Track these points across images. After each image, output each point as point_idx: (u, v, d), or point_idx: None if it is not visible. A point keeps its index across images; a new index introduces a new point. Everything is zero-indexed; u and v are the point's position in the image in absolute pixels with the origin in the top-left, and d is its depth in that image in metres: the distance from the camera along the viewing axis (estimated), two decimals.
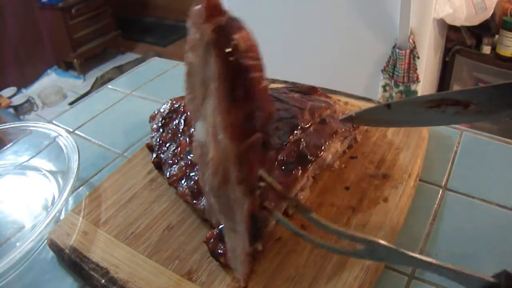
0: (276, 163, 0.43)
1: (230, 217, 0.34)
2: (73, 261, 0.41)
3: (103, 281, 0.39)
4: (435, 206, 0.45)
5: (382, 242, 0.28)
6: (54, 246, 0.44)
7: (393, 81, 1.41)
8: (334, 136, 0.46)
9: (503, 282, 0.27)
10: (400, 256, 0.29)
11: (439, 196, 0.46)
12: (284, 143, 0.45)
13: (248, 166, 0.29)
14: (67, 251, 0.42)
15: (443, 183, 0.48)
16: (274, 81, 0.67)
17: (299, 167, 0.42)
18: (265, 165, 0.30)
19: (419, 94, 1.41)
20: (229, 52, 0.26)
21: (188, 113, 0.53)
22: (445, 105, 0.36)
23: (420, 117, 0.39)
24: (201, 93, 0.32)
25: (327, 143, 0.45)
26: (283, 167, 0.42)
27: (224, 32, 0.26)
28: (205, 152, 0.33)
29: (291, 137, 0.46)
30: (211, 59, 0.27)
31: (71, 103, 2.55)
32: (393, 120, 0.42)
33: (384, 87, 1.45)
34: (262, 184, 0.30)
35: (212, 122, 0.30)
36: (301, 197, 0.43)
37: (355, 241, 0.29)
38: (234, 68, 0.26)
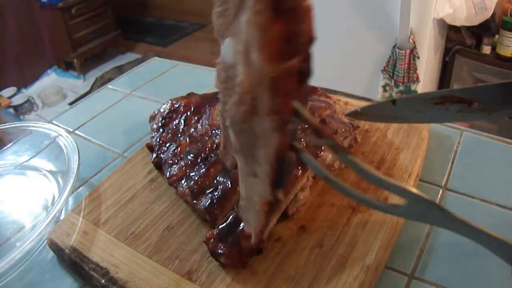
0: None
1: (251, 157, 0.30)
2: (73, 261, 0.41)
3: (103, 281, 0.39)
4: None
5: (426, 196, 0.27)
6: (54, 246, 0.44)
7: (393, 81, 1.41)
8: (334, 136, 0.46)
9: None
10: (440, 216, 0.27)
11: (439, 196, 0.46)
12: None
13: (283, 95, 0.25)
14: (67, 251, 0.42)
15: (443, 183, 0.48)
16: None
17: (299, 167, 0.42)
18: (301, 98, 0.26)
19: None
20: None
21: (188, 113, 0.53)
22: (449, 102, 0.36)
23: (424, 114, 0.39)
24: (235, 4, 0.26)
25: None
26: None
27: None
28: (231, 76, 0.28)
29: None
30: None
31: (71, 103, 2.55)
32: (398, 116, 0.41)
33: (384, 87, 1.45)
34: (295, 119, 0.26)
35: (246, 39, 0.25)
36: (301, 197, 0.43)
37: (397, 192, 0.27)
38: None
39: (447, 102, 0.36)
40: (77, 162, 0.51)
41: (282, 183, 0.30)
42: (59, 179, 0.54)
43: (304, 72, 0.25)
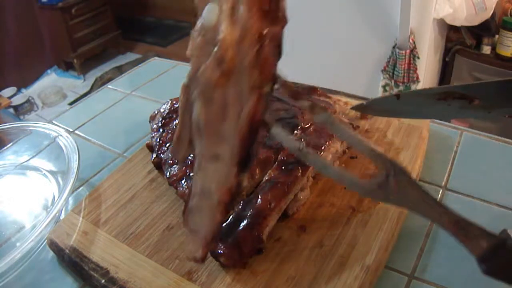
0: (276, 163, 0.43)
1: (215, 135, 0.29)
2: (73, 261, 0.41)
3: (103, 281, 0.39)
4: None
5: (403, 167, 0.27)
6: (54, 246, 0.44)
7: (393, 81, 1.41)
8: (334, 136, 0.46)
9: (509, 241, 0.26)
10: (413, 191, 0.28)
11: (439, 196, 0.46)
12: None
13: (265, 55, 0.25)
14: (67, 251, 0.42)
15: (443, 183, 0.48)
16: None
17: (299, 167, 0.42)
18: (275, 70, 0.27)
19: None
20: None
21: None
22: (451, 98, 0.36)
23: (427, 109, 0.39)
24: None
25: (327, 143, 0.45)
26: (283, 167, 0.42)
27: None
28: (209, 39, 0.28)
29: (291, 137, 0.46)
30: None
31: (71, 103, 2.55)
32: (402, 111, 0.42)
33: (384, 87, 1.45)
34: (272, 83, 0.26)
35: (231, 1, 0.26)
36: (301, 197, 0.43)
37: (372, 156, 0.28)
38: None
39: (449, 98, 0.36)
40: (77, 162, 0.51)
41: (248, 164, 0.28)
42: (59, 179, 0.54)
43: (280, 46, 0.26)
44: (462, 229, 0.27)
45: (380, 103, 0.42)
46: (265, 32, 0.25)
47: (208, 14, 0.28)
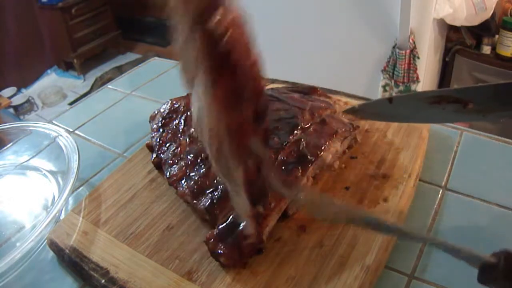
0: (276, 163, 0.43)
1: (231, 181, 0.34)
2: (73, 261, 0.41)
3: (103, 281, 0.39)
4: (435, 206, 0.45)
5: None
6: (54, 246, 0.44)
7: (393, 81, 1.41)
8: (334, 136, 0.46)
9: (502, 262, 0.27)
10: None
11: (439, 196, 0.46)
12: (284, 143, 0.45)
13: (239, 137, 0.29)
14: (67, 251, 0.42)
15: (443, 183, 0.48)
16: (274, 81, 0.67)
17: (299, 167, 0.42)
18: (259, 136, 0.31)
19: None
20: (211, 27, 0.26)
21: (188, 113, 0.53)
22: (445, 102, 0.36)
23: (421, 113, 0.39)
24: (193, 65, 0.31)
25: (327, 143, 0.45)
26: (283, 167, 0.42)
27: (208, 7, 0.26)
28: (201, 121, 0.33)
29: (291, 137, 0.46)
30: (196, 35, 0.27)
31: (71, 103, 2.55)
32: (395, 115, 0.42)
33: (384, 87, 1.45)
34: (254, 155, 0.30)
35: (202, 93, 0.30)
36: (301, 197, 0.43)
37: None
38: (216, 42, 0.26)
39: (443, 102, 0.36)
40: (77, 162, 0.51)
41: (259, 201, 0.34)
42: (59, 179, 0.54)
43: (259, 115, 0.29)
44: None
45: (373, 107, 0.42)
46: None
47: (195, 99, 0.32)
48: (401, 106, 0.39)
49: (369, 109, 0.42)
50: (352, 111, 0.42)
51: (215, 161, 0.34)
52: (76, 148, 0.53)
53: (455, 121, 0.42)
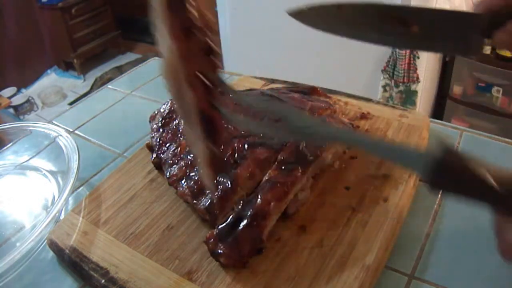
0: (276, 163, 0.43)
1: (190, 122, 0.37)
2: (73, 261, 0.41)
3: (103, 281, 0.39)
4: (435, 206, 0.45)
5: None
6: (54, 246, 0.44)
7: (393, 81, 1.41)
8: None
9: (443, 155, 0.26)
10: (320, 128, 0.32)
11: (439, 196, 0.46)
12: (284, 143, 0.45)
13: (190, 64, 0.34)
14: (67, 251, 0.42)
15: None
16: (274, 81, 0.67)
17: (299, 167, 0.42)
18: (210, 68, 0.34)
19: (419, 94, 1.41)
20: None
21: None
22: (389, 18, 0.37)
23: (367, 30, 0.39)
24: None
25: (327, 143, 0.45)
26: (283, 167, 0.42)
27: None
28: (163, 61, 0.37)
29: None
30: None
31: (71, 103, 2.56)
32: (341, 28, 0.42)
33: (384, 87, 1.45)
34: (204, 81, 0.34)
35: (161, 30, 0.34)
36: (301, 197, 0.43)
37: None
38: None
39: (387, 18, 0.37)
40: (77, 162, 0.51)
41: (211, 135, 0.36)
42: (59, 179, 0.54)
43: (208, 48, 0.34)
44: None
45: (320, 12, 0.41)
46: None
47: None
48: (349, 17, 0.39)
49: (316, 13, 0.41)
50: (298, 13, 0.41)
51: (177, 103, 0.37)
52: (76, 148, 0.53)
53: (403, 47, 0.41)
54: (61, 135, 0.56)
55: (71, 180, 0.48)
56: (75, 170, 0.50)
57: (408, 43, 0.39)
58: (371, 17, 0.38)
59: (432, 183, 0.26)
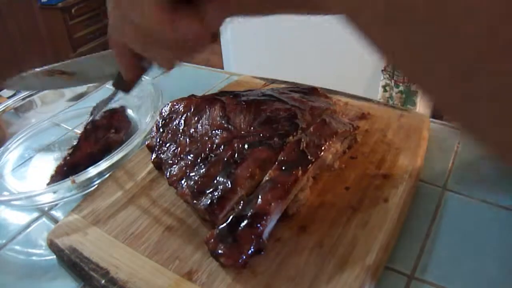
0: (277, 163, 0.43)
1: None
2: (73, 261, 0.41)
3: (103, 281, 0.39)
4: (435, 206, 0.45)
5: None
6: (54, 246, 0.44)
7: (393, 81, 1.41)
8: (334, 136, 0.46)
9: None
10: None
11: (439, 196, 0.46)
12: (284, 143, 0.45)
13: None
14: (67, 251, 0.42)
15: (443, 183, 0.48)
16: (274, 81, 0.67)
17: (299, 167, 0.42)
18: None
19: (419, 94, 1.41)
20: None
21: (188, 113, 0.53)
22: (57, 74, 0.53)
23: (44, 83, 0.55)
24: None
25: (327, 143, 0.45)
26: (283, 167, 0.42)
27: None
28: None
29: (291, 137, 0.46)
30: None
31: (70, 101, 2.55)
32: (28, 85, 0.59)
33: (384, 87, 1.45)
34: None
35: None
36: (301, 198, 0.43)
37: None
38: None
39: (55, 74, 0.53)
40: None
41: None
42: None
43: None
44: None
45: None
46: None
47: None
48: (30, 79, 0.54)
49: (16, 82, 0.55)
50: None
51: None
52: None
53: (66, 86, 0.61)
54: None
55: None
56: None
57: (72, 83, 0.55)
58: (43, 74, 0.54)
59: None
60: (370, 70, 1.46)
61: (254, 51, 1.57)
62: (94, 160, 0.51)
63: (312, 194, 0.45)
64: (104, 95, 0.56)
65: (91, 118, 0.59)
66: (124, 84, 0.47)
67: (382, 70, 1.42)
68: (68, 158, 0.54)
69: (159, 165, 0.50)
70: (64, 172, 0.53)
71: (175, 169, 0.47)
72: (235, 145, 0.45)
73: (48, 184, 0.53)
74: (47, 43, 2.90)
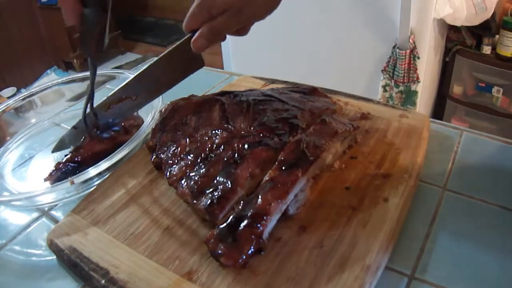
0: (277, 163, 0.43)
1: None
2: (73, 261, 0.41)
3: (103, 281, 0.39)
4: (435, 206, 0.45)
5: None
6: (54, 246, 0.44)
7: (393, 81, 1.41)
8: (334, 136, 0.46)
9: None
10: None
11: (439, 196, 0.46)
12: (284, 143, 0.45)
13: None
14: (67, 251, 0.42)
15: (443, 183, 0.48)
16: (274, 81, 0.67)
17: (299, 167, 0.42)
18: None
19: (419, 94, 1.41)
20: None
21: (188, 114, 0.53)
22: (116, 102, 0.55)
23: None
24: None
25: (327, 143, 0.45)
26: (283, 167, 0.42)
27: None
28: None
29: (291, 137, 0.46)
30: None
31: (70, 101, 2.55)
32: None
33: (384, 87, 1.45)
34: None
35: None
36: (301, 198, 0.43)
37: None
38: None
39: (116, 103, 0.56)
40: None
41: None
42: None
43: None
44: None
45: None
46: None
47: None
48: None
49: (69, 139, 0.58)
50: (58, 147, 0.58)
51: None
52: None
53: (135, 110, 0.57)
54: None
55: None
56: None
57: (137, 107, 0.57)
58: (102, 108, 0.56)
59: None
60: (370, 70, 1.46)
61: (254, 51, 1.57)
62: (99, 160, 0.50)
63: (312, 194, 0.45)
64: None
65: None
66: (87, 43, 0.51)
67: (382, 70, 1.42)
68: (68, 156, 0.54)
69: (159, 165, 0.50)
70: (62, 169, 0.53)
71: (175, 169, 0.47)
72: (235, 145, 0.45)
73: (45, 179, 0.53)
74: (47, 43, 2.90)
